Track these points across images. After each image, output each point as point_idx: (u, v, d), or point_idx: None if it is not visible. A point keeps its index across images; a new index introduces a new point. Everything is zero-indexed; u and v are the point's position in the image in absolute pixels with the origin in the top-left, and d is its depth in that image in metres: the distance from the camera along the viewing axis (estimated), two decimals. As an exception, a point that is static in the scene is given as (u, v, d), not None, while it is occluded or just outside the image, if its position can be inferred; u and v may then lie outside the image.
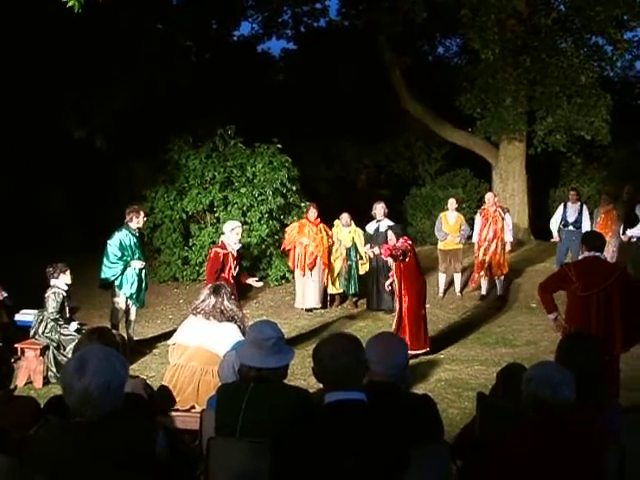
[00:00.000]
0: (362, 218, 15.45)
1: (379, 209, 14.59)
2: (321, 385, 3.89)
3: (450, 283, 16.05)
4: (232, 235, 11.44)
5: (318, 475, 3.60)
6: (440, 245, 15.93)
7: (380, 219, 14.53)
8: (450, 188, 24.45)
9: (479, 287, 15.56)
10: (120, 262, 11.60)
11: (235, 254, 11.36)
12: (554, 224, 16.54)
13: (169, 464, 3.99)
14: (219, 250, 11.32)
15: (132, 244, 11.72)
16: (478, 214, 15.62)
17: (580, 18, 19.66)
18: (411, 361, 5.02)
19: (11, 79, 16.44)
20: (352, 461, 3.57)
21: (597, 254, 8.14)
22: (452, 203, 15.97)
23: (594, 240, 8.37)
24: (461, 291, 15.86)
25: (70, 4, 7.95)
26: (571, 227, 16.09)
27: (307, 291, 14.89)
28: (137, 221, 11.87)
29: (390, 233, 11.96)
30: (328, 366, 3.79)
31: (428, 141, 26.36)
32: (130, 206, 12.10)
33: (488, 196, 15.69)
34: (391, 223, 14.33)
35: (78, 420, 3.55)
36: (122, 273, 11.68)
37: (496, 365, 9.27)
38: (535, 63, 19.68)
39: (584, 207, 16.39)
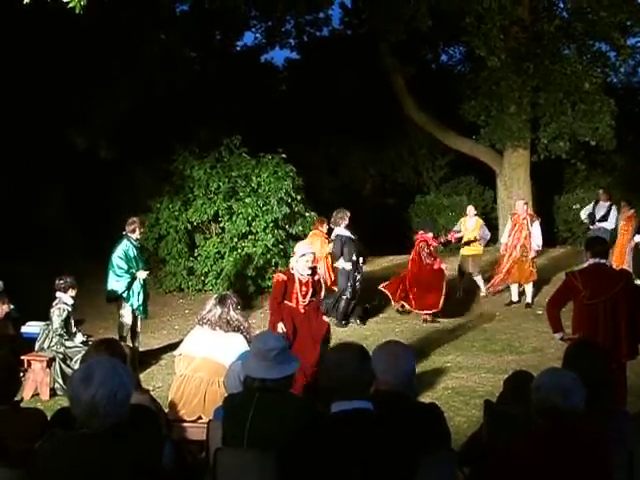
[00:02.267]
0: (368, 226, 15.48)
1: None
2: (328, 395, 3.89)
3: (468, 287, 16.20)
4: (301, 261, 9.88)
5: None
6: (462, 250, 16.23)
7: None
8: (455, 195, 24.50)
9: (498, 291, 15.66)
10: (127, 275, 11.58)
11: (305, 280, 9.82)
12: (584, 214, 17.40)
13: (176, 475, 3.99)
14: (281, 276, 10.09)
15: (135, 255, 11.72)
16: (510, 219, 15.76)
17: (583, 24, 19.68)
18: (417, 370, 5.02)
19: (12, 83, 16.47)
20: (359, 470, 3.57)
21: (602, 260, 8.10)
22: (470, 209, 16.50)
23: (598, 245, 8.31)
24: (486, 294, 16.11)
25: (71, 5, 7.89)
26: (597, 224, 16.68)
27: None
28: (140, 232, 11.89)
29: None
30: (335, 376, 3.79)
31: (432, 149, 26.41)
32: (131, 217, 12.07)
33: (518, 203, 15.92)
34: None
35: (84, 432, 3.55)
36: (129, 286, 11.68)
37: (503, 373, 9.22)
38: (538, 70, 19.70)
39: (613, 207, 16.66)
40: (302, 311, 9.71)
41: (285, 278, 9.93)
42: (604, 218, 16.62)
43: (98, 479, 3.49)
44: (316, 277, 10.15)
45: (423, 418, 4.63)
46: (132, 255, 11.66)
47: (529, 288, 15.32)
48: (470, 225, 16.09)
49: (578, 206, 23.79)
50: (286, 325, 9.56)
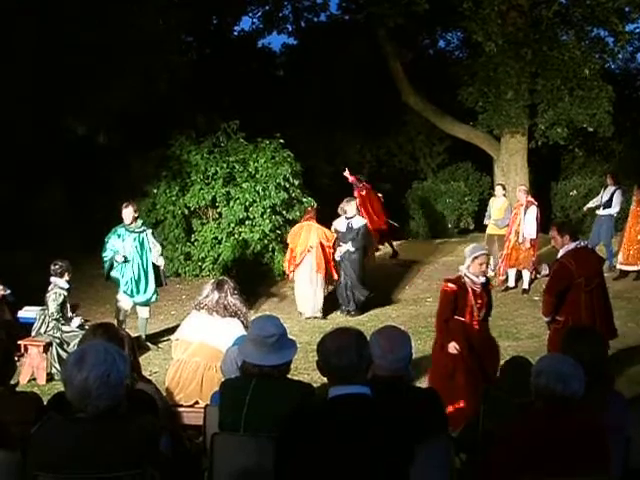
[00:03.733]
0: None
1: (353, 205, 14.41)
2: (325, 380, 3.89)
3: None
4: (474, 265, 8.33)
5: (323, 469, 3.60)
6: (487, 229, 16.47)
7: (351, 216, 14.27)
8: (452, 182, 24.51)
9: (506, 279, 15.65)
10: (107, 258, 11.69)
11: (479, 290, 8.28)
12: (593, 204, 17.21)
13: (174, 462, 4.00)
14: (450, 286, 8.38)
15: (124, 239, 11.65)
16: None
17: (581, 10, 19.63)
18: (413, 355, 5.01)
19: (10, 74, 16.38)
20: (356, 455, 3.57)
21: (583, 242, 8.13)
22: (498, 189, 16.85)
23: (573, 227, 8.35)
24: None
25: None
26: (602, 210, 16.51)
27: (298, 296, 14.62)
28: (124, 215, 11.70)
29: None
30: (333, 361, 3.79)
31: (429, 135, 26.35)
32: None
33: (518, 190, 16.03)
34: (364, 220, 14.38)
35: (80, 416, 3.56)
36: (111, 268, 11.71)
37: (500, 359, 9.24)
38: (536, 56, 19.64)
39: (617, 192, 16.48)
40: (476, 327, 8.27)
41: (455, 288, 8.29)
42: (609, 203, 16.44)
43: (94, 462, 3.51)
44: (490, 286, 8.58)
45: (421, 403, 4.64)
46: (119, 239, 11.61)
47: (526, 274, 15.32)
48: (497, 205, 16.27)
49: (575, 192, 23.81)
50: (459, 345, 8.12)
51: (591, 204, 17.26)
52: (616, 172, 21.88)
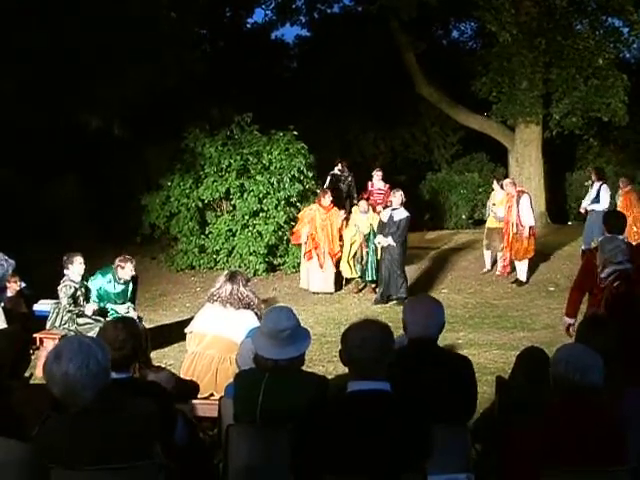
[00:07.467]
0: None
1: (398, 197, 14.35)
2: (339, 372, 3.88)
3: (495, 261, 16.13)
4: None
5: (339, 464, 3.60)
6: (487, 223, 16.41)
7: (396, 207, 14.30)
8: (466, 172, 24.48)
9: (511, 271, 15.59)
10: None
11: (602, 285, 6.99)
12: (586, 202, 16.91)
13: (189, 453, 4.01)
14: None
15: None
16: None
17: (596, -2, 19.59)
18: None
19: (21, 66, 16.41)
20: (375, 449, 3.56)
21: (620, 237, 7.79)
22: (494, 183, 16.65)
23: (615, 220, 8.05)
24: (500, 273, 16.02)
25: None
26: (590, 206, 16.33)
27: (311, 276, 15.18)
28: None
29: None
30: (355, 354, 3.77)
31: (443, 126, 26.33)
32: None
33: (505, 182, 15.91)
34: (406, 213, 14.21)
35: (74, 411, 3.64)
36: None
37: (514, 349, 9.20)
38: (550, 45, 19.57)
39: (603, 186, 16.33)
40: None
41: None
42: (596, 200, 16.18)
43: (99, 455, 3.57)
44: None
45: (452, 368, 4.66)
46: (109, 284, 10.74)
47: (523, 265, 15.22)
48: (498, 198, 16.05)
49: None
50: None
51: (586, 203, 16.90)
52: (620, 163, 21.84)
